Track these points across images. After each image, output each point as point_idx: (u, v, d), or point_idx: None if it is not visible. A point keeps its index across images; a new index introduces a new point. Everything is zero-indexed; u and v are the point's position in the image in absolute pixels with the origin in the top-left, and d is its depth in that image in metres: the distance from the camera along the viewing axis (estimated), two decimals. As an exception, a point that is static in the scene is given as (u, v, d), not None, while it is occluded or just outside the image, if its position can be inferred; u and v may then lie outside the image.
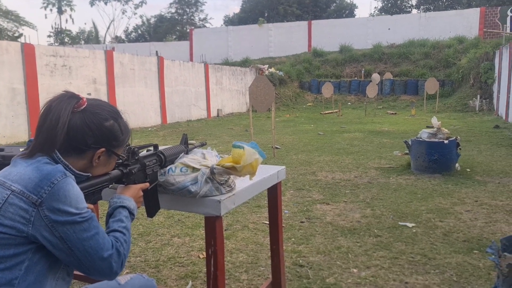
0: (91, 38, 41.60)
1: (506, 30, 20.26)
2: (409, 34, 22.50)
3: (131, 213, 1.28)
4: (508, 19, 20.91)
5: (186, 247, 3.18)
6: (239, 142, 1.49)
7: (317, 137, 9.55)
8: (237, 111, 18.90)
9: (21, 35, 32.50)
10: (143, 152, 1.49)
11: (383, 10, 37.32)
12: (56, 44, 36.44)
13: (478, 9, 22.88)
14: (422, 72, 19.67)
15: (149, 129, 12.68)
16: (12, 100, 9.03)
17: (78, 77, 10.81)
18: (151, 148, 1.52)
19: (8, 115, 8.97)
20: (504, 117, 11.89)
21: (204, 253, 3.00)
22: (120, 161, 1.33)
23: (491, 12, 22.23)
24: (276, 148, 7.63)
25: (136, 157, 1.39)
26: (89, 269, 1.11)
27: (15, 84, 9.09)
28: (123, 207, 1.27)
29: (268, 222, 3.60)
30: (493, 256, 1.72)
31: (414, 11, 36.78)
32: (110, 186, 1.33)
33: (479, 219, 3.68)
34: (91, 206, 1.17)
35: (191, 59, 25.74)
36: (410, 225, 3.56)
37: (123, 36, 43.57)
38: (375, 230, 3.45)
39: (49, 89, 9.83)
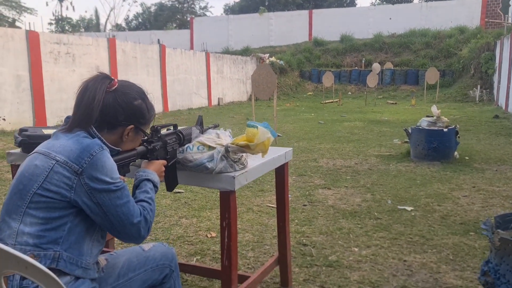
0: (91, 26, 41.45)
1: (507, 20, 20.20)
2: (410, 24, 22.41)
3: (155, 186, 1.41)
4: (510, 9, 20.78)
5: (194, 227, 3.31)
6: (253, 122, 1.60)
7: (317, 126, 9.66)
8: (237, 100, 18.95)
9: (15, 20, 32.25)
10: (164, 131, 1.61)
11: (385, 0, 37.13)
12: (57, 31, 36.32)
13: (480, -1, 22.79)
14: (423, 62, 19.68)
15: (151, 117, 12.77)
16: (17, 87, 9.11)
17: (82, 64, 10.87)
18: (171, 127, 1.63)
19: (14, 102, 9.05)
20: (504, 107, 11.98)
21: (212, 233, 3.14)
22: (145, 138, 1.45)
23: (493, 2, 22.13)
24: (278, 136, 7.74)
25: (159, 135, 1.51)
26: (120, 232, 1.24)
27: (20, 71, 9.15)
28: (148, 180, 1.39)
29: (272, 205, 3.75)
30: (487, 232, 1.85)
31: (416, 0, 36.61)
32: (131, 163, 1.45)
33: (476, 204, 3.81)
34: (122, 177, 1.30)
35: (192, 48, 25.67)
36: (409, 208, 3.69)
37: (123, 24, 43.37)
38: (375, 213, 3.58)
39: (53, 76, 9.90)
